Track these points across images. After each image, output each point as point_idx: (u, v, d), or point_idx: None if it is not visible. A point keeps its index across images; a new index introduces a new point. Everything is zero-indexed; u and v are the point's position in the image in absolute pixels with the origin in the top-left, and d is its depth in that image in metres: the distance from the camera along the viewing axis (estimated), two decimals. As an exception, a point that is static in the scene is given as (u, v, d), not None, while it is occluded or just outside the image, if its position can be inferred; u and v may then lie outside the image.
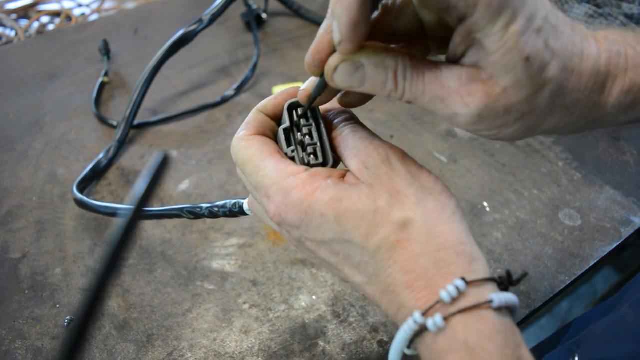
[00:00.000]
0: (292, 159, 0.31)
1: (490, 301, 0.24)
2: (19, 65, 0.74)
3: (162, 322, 0.45)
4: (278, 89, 0.70)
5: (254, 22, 0.79)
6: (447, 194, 0.27)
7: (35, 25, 0.87)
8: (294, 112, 0.32)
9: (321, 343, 0.44)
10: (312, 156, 0.31)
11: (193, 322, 0.45)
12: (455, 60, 0.26)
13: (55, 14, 0.90)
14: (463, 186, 0.59)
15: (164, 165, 0.24)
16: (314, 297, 0.47)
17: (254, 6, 0.84)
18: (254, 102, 0.70)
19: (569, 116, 0.28)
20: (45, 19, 0.90)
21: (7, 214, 0.54)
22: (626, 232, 0.55)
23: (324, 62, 0.27)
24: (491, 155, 0.63)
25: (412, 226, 0.26)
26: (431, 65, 0.26)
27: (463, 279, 0.24)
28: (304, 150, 0.31)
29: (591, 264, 0.51)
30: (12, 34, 0.85)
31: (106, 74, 0.72)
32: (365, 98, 0.33)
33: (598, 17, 0.88)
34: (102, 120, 0.66)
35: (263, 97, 0.71)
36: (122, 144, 0.62)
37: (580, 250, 0.53)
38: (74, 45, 0.79)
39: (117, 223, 0.21)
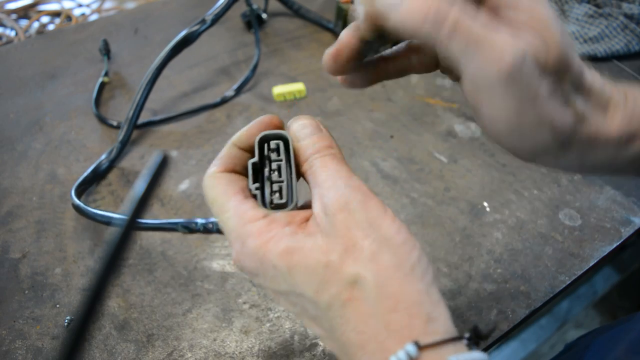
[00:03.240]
0: (256, 196, 0.29)
1: None
2: (19, 65, 0.74)
3: (162, 322, 0.45)
4: (278, 89, 0.70)
5: (256, 21, 0.79)
6: (409, 245, 0.25)
7: (35, 25, 0.87)
8: (266, 145, 0.30)
9: (321, 343, 0.44)
10: (276, 194, 0.29)
11: (193, 322, 0.45)
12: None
13: (55, 14, 0.90)
14: (463, 186, 0.59)
15: (163, 165, 0.24)
16: (314, 297, 0.47)
17: (254, 6, 0.84)
18: (254, 102, 0.70)
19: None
20: (45, 19, 0.90)
21: (7, 214, 0.54)
22: (626, 232, 0.55)
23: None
24: (491, 155, 0.63)
25: (363, 284, 0.24)
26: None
27: (416, 342, 0.22)
28: (271, 187, 0.29)
29: (591, 264, 0.52)
30: (12, 34, 0.85)
31: (106, 74, 0.72)
32: (371, 77, 0.32)
33: (598, 17, 0.88)
34: (102, 120, 0.66)
35: (263, 97, 0.71)
36: (125, 146, 0.62)
37: (580, 250, 0.53)
38: (74, 45, 0.79)
39: (117, 223, 0.21)
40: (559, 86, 0.25)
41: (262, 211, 0.27)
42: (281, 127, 0.31)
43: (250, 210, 0.27)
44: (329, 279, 0.24)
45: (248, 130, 0.30)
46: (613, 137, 0.27)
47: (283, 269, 0.25)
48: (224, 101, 0.70)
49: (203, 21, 0.66)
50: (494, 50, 0.23)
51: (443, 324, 0.24)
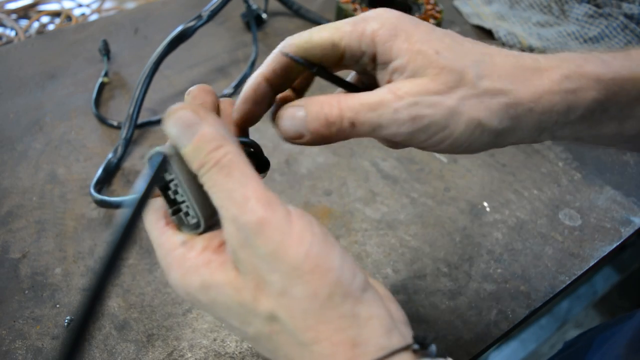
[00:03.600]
0: (177, 220, 0.27)
1: None
2: (19, 65, 0.74)
3: (162, 322, 0.45)
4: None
5: (253, 20, 0.79)
6: (320, 271, 0.22)
7: (35, 25, 0.87)
8: (150, 162, 0.26)
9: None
10: (188, 216, 0.26)
11: (193, 322, 0.45)
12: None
13: (55, 14, 0.90)
14: (463, 186, 0.59)
15: (163, 165, 0.24)
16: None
17: (254, 6, 0.84)
18: (254, 102, 0.70)
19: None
20: (45, 19, 0.89)
21: (7, 214, 0.54)
22: (626, 232, 0.55)
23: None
24: (491, 155, 0.63)
25: (280, 320, 0.23)
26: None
27: None
28: (181, 209, 0.27)
29: (591, 264, 0.52)
30: (12, 34, 0.85)
31: (106, 74, 0.72)
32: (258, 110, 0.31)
33: (598, 17, 0.88)
34: (102, 120, 0.66)
35: (263, 97, 0.71)
36: (129, 142, 0.62)
37: (580, 250, 0.53)
38: (74, 45, 0.79)
39: (117, 223, 0.21)
40: (468, 91, 0.27)
41: (180, 238, 0.26)
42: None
43: (170, 237, 0.26)
44: (246, 317, 0.24)
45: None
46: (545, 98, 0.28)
47: (207, 304, 0.24)
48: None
49: (199, 17, 0.66)
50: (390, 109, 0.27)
51: (374, 344, 0.22)
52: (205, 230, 0.26)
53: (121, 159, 0.60)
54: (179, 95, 0.72)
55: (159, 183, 0.26)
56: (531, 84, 0.28)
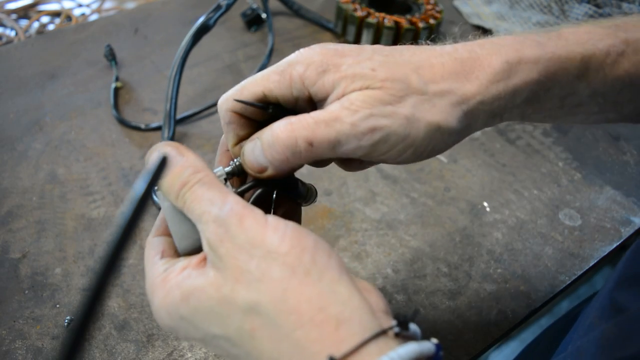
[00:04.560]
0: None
1: None
2: (19, 65, 0.74)
3: (162, 322, 0.46)
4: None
5: (267, 4, 0.78)
6: (296, 251, 0.23)
7: (35, 25, 0.87)
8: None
9: None
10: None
11: (193, 322, 0.45)
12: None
13: (55, 14, 0.90)
14: (463, 186, 0.59)
15: (163, 165, 0.24)
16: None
17: (254, 5, 0.84)
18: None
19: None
20: (45, 19, 0.90)
21: (7, 214, 0.54)
22: (626, 232, 0.55)
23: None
24: (491, 155, 0.63)
25: (260, 308, 0.22)
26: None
27: (330, 358, 0.21)
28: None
29: (591, 264, 0.52)
30: (12, 34, 0.85)
31: (117, 79, 0.71)
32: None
33: (598, 17, 0.88)
34: (124, 123, 0.65)
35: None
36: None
37: (580, 250, 0.53)
38: (74, 45, 0.79)
39: (117, 223, 0.21)
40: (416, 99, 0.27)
41: (163, 267, 0.27)
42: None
43: (156, 266, 0.27)
44: (227, 314, 0.23)
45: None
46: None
47: (188, 316, 0.24)
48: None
49: (218, 7, 0.66)
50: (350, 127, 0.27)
51: (358, 323, 0.22)
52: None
53: None
54: (179, 95, 0.72)
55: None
56: (474, 77, 0.28)
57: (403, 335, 0.23)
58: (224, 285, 0.23)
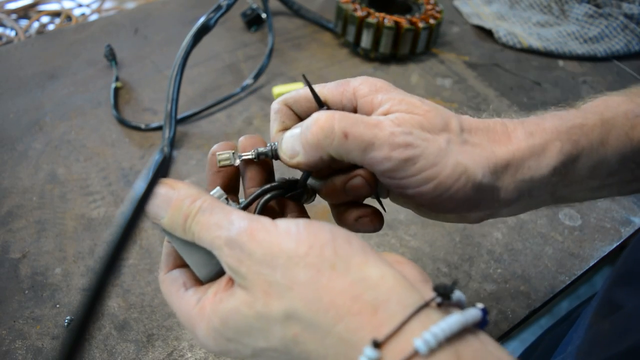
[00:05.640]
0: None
1: (416, 352, 0.20)
2: (19, 65, 0.74)
3: (162, 322, 0.45)
4: (278, 89, 0.70)
5: (267, 4, 0.78)
6: (316, 249, 0.23)
7: (35, 25, 0.87)
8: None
9: None
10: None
11: (193, 322, 0.45)
12: None
13: (55, 14, 0.90)
14: (463, 186, 0.59)
15: (163, 165, 0.24)
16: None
17: (254, 5, 0.84)
18: (254, 102, 0.70)
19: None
20: (45, 19, 0.90)
21: (7, 214, 0.54)
22: (626, 232, 0.55)
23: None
24: (491, 155, 0.63)
25: (297, 314, 0.23)
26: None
27: (374, 342, 0.20)
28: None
29: (591, 264, 0.52)
30: (12, 34, 0.85)
31: (117, 79, 0.71)
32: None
33: (598, 17, 0.88)
34: (125, 123, 0.65)
35: (263, 97, 0.71)
36: (174, 142, 0.62)
37: (580, 250, 0.53)
38: (74, 45, 0.79)
39: (117, 223, 0.21)
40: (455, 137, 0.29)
41: (195, 297, 0.27)
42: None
43: (186, 299, 0.27)
44: (266, 328, 0.23)
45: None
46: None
47: (233, 338, 0.25)
48: (244, 89, 0.71)
49: (219, 7, 0.65)
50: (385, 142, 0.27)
51: (396, 302, 0.22)
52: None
53: (169, 161, 0.60)
54: (179, 96, 0.72)
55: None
56: (503, 144, 0.30)
57: (446, 305, 0.23)
58: (255, 301, 0.24)
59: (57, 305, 0.46)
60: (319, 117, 0.28)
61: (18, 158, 0.61)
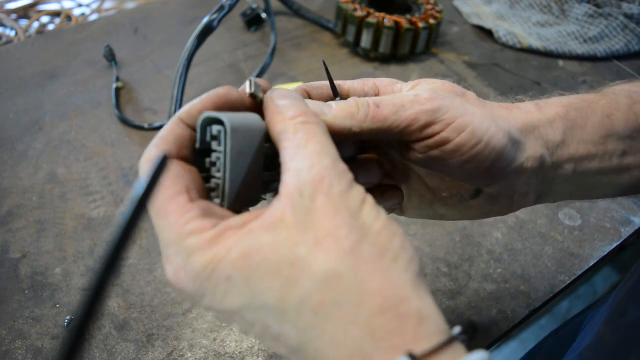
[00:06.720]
0: (211, 192, 0.25)
1: None
2: (19, 65, 0.74)
3: (162, 322, 0.45)
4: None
5: (270, 8, 0.78)
6: (389, 232, 0.22)
7: (35, 25, 0.87)
8: (208, 129, 0.24)
9: None
10: (212, 192, 0.25)
11: (193, 322, 0.45)
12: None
13: (55, 14, 0.90)
14: (463, 186, 0.59)
15: (163, 165, 0.24)
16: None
17: (254, 5, 0.84)
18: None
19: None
20: (45, 19, 0.90)
21: (7, 214, 0.54)
22: (626, 232, 0.55)
23: None
24: (491, 155, 0.63)
25: (340, 283, 0.20)
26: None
27: (411, 355, 0.19)
28: (209, 182, 0.25)
29: (591, 264, 0.52)
30: (12, 34, 0.85)
31: (118, 79, 0.71)
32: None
33: (598, 17, 0.88)
34: (128, 123, 0.65)
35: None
36: None
37: (580, 250, 0.53)
38: (74, 45, 0.79)
39: (117, 223, 0.21)
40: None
41: (210, 221, 0.22)
42: (240, 104, 0.26)
43: (195, 219, 0.22)
44: (296, 279, 0.20)
45: (202, 104, 0.25)
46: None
47: (239, 278, 0.21)
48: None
49: (221, 8, 0.65)
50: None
51: (436, 323, 0.20)
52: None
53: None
54: (179, 95, 0.72)
55: (204, 146, 0.25)
56: (518, 113, 0.32)
57: (466, 343, 0.22)
58: (301, 244, 0.20)
59: (57, 305, 0.46)
60: (355, 83, 0.32)
61: (18, 158, 0.61)
